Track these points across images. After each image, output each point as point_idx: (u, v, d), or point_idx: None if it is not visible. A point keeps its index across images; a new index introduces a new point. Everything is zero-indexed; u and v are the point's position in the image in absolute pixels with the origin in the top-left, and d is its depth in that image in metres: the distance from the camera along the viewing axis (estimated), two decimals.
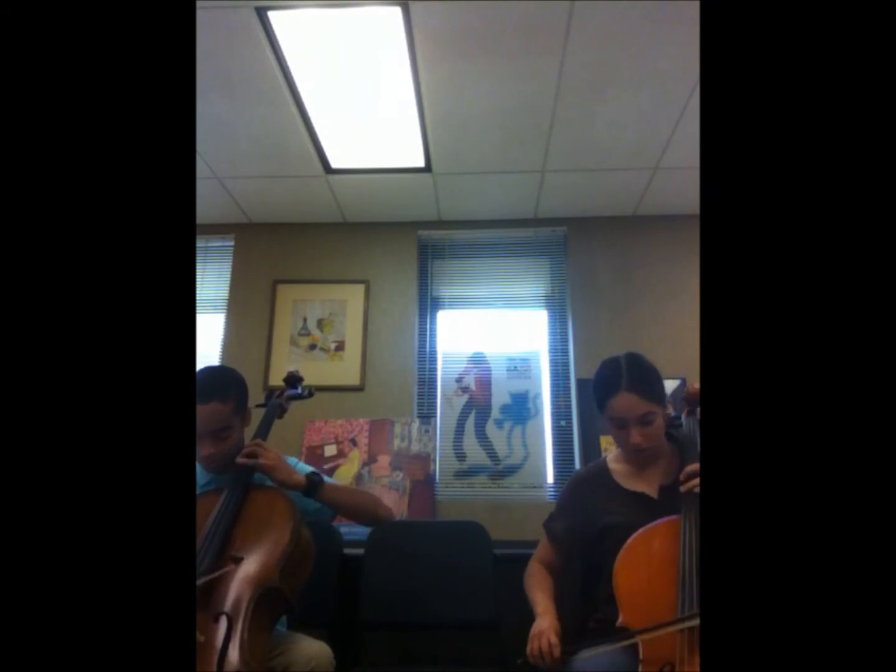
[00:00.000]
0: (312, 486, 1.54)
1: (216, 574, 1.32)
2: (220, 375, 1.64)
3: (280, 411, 1.78)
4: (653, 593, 1.30)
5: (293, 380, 1.83)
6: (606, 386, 1.52)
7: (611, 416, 1.52)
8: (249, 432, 1.67)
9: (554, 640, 1.37)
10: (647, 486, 1.54)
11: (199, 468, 1.63)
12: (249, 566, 1.36)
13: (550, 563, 1.64)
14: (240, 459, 1.53)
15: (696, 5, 1.75)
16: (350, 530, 2.30)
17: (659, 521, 1.39)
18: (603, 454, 2.76)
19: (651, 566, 1.34)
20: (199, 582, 1.30)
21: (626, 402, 1.48)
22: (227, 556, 1.37)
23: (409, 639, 2.33)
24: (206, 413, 1.52)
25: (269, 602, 1.34)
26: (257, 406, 1.76)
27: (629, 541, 1.38)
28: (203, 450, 1.55)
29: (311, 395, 1.86)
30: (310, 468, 1.63)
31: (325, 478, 1.60)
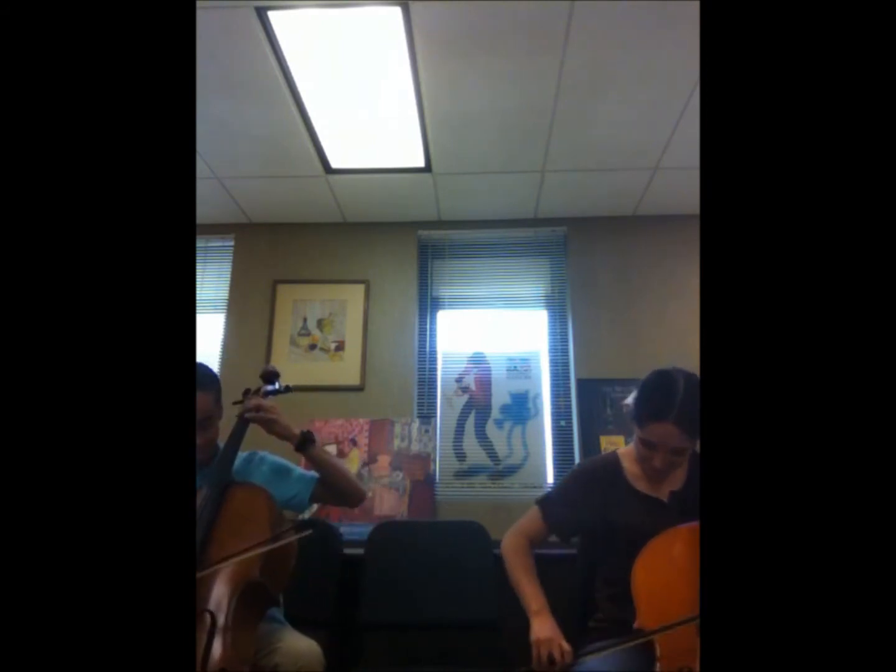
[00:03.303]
0: (305, 441, 1.63)
1: (203, 573, 1.31)
2: (202, 368, 1.70)
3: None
4: (674, 597, 1.27)
5: (270, 375, 1.80)
6: (655, 408, 1.42)
7: (645, 436, 1.46)
8: (223, 433, 1.70)
9: (566, 646, 1.31)
10: (659, 492, 1.53)
11: None
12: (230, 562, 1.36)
13: (535, 542, 1.60)
14: (246, 415, 1.62)
15: (696, 5, 1.75)
16: (350, 530, 2.31)
17: (684, 525, 1.36)
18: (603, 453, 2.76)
19: (673, 570, 1.31)
20: None
21: (667, 432, 1.40)
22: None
23: (410, 639, 2.33)
24: None
25: (252, 597, 1.35)
26: (234, 403, 1.74)
27: (651, 543, 1.36)
28: None
29: (288, 390, 1.82)
30: (311, 473, 1.70)
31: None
